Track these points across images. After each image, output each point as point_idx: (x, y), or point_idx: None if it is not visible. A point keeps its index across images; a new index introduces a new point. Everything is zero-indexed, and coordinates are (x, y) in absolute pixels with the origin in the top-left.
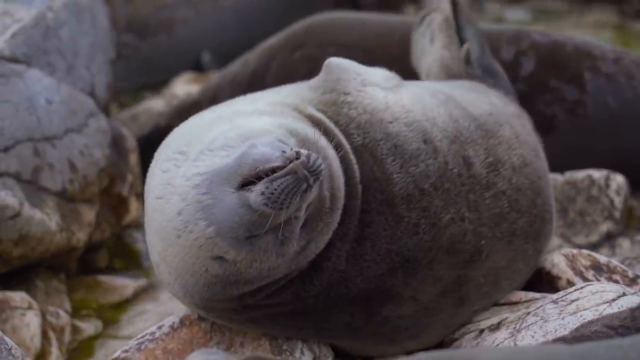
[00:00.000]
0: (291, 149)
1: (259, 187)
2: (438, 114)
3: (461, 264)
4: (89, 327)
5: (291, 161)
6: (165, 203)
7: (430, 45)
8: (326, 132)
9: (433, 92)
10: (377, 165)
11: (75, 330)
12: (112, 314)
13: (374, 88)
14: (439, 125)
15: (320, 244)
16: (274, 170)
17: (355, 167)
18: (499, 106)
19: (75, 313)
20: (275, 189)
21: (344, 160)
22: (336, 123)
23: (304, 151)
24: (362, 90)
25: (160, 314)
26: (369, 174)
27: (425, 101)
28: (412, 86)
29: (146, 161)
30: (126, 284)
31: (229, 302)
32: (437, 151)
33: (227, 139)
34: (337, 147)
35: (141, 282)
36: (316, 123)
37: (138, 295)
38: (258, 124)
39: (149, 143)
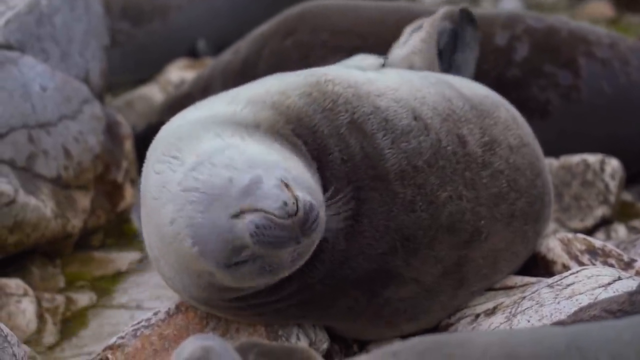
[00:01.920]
0: (293, 203)
1: (253, 217)
2: (428, 94)
3: (461, 245)
4: (83, 298)
5: (290, 216)
6: (161, 207)
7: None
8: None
9: (423, 75)
10: (367, 141)
11: (69, 302)
12: (106, 286)
13: (354, 69)
14: (429, 103)
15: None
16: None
17: (341, 147)
18: (496, 94)
19: (69, 286)
20: (266, 230)
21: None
22: (322, 105)
23: (304, 204)
24: (343, 70)
25: (155, 286)
26: (359, 150)
27: (413, 82)
28: (398, 70)
29: (142, 160)
30: (120, 257)
31: (231, 302)
32: (429, 128)
33: (233, 159)
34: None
35: (135, 255)
36: (295, 119)
37: (132, 268)
38: (258, 150)
39: (144, 141)
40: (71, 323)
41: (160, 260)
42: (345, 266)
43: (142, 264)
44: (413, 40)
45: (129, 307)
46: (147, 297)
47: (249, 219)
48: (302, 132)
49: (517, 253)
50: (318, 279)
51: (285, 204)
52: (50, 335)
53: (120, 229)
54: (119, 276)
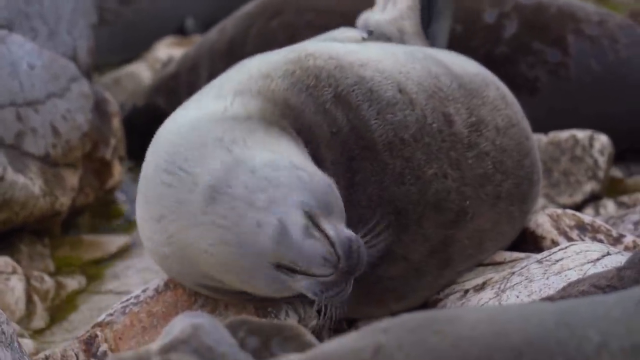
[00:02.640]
0: (331, 253)
1: (306, 283)
2: (412, 69)
3: (448, 224)
4: (73, 282)
5: (335, 266)
6: (183, 227)
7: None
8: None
9: (409, 50)
10: (353, 112)
11: (59, 286)
12: (95, 270)
13: (334, 42)
14: (414, 79)
15: None
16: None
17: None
18: (488, 71)
19: (58, 270)
20: (324, 291)
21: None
22: (306, 83)
23: (342, 246)
24: (323, 44)
25: (144, 269)
26: (347, 122)
27: (397, 56)
28: (381, 44)
29: (129, 142)
30: (109, 241)
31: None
32: (414, 103)
33: (249, 188)
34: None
35: (124, 239)
36: (282, 103)
37: (121, 252)
38: (267, 161)
39: (130, 123)
40: (61, 307)
41: (166, 258)
42: None
43: (131, 248)
44: (399, 5)
45: (119, 292)
46: (137, 281)
47: (305, 285)
48: (289, 114)
49: (503, 233)
50: None
51: (325, 259)
52: (40, 319)
53: (108, 212)
54: (108, 260)
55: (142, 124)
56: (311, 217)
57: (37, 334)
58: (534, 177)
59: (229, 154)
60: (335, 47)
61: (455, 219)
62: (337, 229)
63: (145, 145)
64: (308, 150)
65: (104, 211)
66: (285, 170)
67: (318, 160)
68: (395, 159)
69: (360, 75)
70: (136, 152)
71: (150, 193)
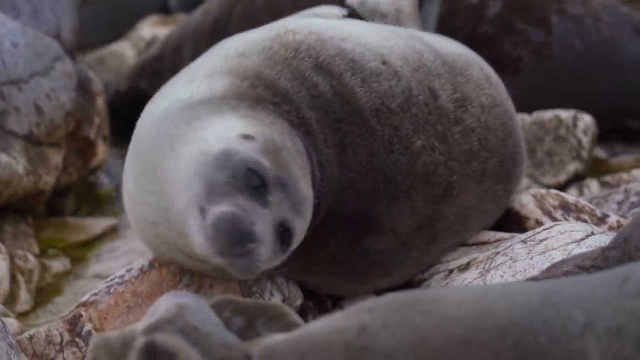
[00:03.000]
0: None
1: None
2: (396, 45)
3: (436, 198)
4: (58, 265)
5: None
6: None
7: None
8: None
9: (392, 29)
10: (336, 80)
11: (43, 268)
12: (80, 253)
13: (316, 19)
14: (398, 53)
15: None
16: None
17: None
18: (472, 53)
19: (43, 253)
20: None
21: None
22: (283, 56)
23: (206, 233)
24: (303, 20)
25: (129, 252)
26: (330, 89)
27: (380, 32)
28: (363, 22)
29: (114, 127)
30: (94, 224)
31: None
32: (399, 76)
33: (173, 184)
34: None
35: (109, 221)
36: (253, 76)
37: (106, 234)
38: (189, 154)
39: (114, 109)
40: (45, 290)
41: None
42: (339, 198)
43: (116, 231)
44: None
45: (104, 276)
46: (122, 264)
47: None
48: (260, 84)
49: (488, 211)
50: (322, 206)
51: (208, 246)
52: (24, 302)
53: (93, 195)
54: (92, 243)
55: (126, 109)
56: (202, 210)
57: (21, 316)
58: (517, 157)
59: (172, 151)
60: (317, 23)
61: (443, 194)
62: (212, 214)
63: (129, 130)
64: (288, 111)
65: (89, 194)
66: (192, 166)
67: (303, 119)
68: (383, 127)
69: (342, 48)
70: (121, 136)
71: (127, 180)
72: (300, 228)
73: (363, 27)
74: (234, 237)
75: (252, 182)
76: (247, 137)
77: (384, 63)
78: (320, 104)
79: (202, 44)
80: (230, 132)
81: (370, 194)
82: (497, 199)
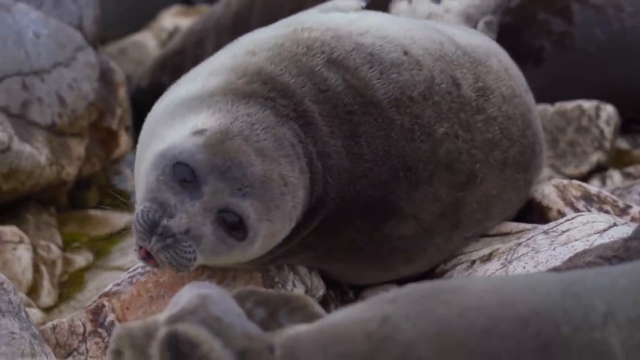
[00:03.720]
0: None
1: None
2: (417, 35)
3: (459, 186)
4: (80, 259)
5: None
6: None
7: None
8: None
9: (411, 20)
10: (350, 74)
11: (66, 262)
12: (103, 246)
13: (333, 13)
14: (419, 42)
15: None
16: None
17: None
18: (492, 43)
19: (66, 246)
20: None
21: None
22: (293, 52)
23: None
24: (322, 15)
25: None
26: (342, 82)
27: (400, 24)
28: (381, 13)
29: (136, 122)
30: (117, 217)
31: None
32: (421, 65)
33: (145, 176)
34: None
35: (132, 215)
36: (252, 73)
37: (129, 229)
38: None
39: (136, 104)
40: (68, 284)
41: None
42: (352, 188)
43: None
44: None
45: (126, 268)
46: None
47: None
48: (257, 79)
49: (509, 201)
50: (330, 196)
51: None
52: (48, 294)
53: (115, 187)
54: (115, 236)
55: (148, 104)
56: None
57: (45, 311)
58: (536, 147)
59: (147, 149)
60: (335, 18)
61: (466, 182)
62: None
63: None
64: (284, 105)
65: (111, 186)
66: (145, 165)
67: (302, 112)
68: (403, 116)
69: (359, 42)
70: (142, 118)
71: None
72: (256, 211)
73: (383, 19)
74: (143, 232)
75: (180, 176)
76: (198, 132)
77: (405, 53)
78: (328, 97)
79: (223, 37)
80: (185, 130)
81: (387, 182)
82: (518, 188)
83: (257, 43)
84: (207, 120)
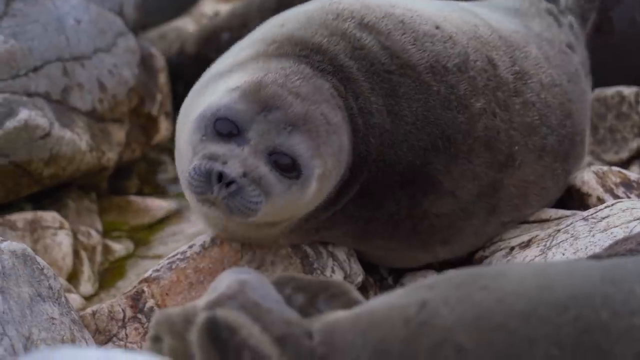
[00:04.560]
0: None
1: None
2: (449, 15)
3: (497, 166)
4: (120, 247)
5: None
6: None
7: None
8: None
9: (443, 2)
10: (383, 36)
11: (106, 250)
12: (143, 235)
13: None
14: (451, 21)
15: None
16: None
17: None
18: (534, 30)
19: (106, 234)
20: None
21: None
22: (321, 18)
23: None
24: None
25: (192, 235)
26: (376, 42)
27: (431, 3)
28: None
29: (174, 87)
30: (157, 206)
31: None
32: (455, 40)
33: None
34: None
35: (172, 204)
36: (282, 39)
37: (169, 217)
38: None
39: (176, 68)
40: (108, 273)
41: None
42: (393, 151)
43: (179, 213)
44: None
45: (166, 256)
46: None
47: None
48: (289, 43)
49: (547, 189)
50: (372, 156)
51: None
52: (87, 280)
53: (155, 175)
54: (155, 225)
55: (190, 71)
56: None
57: (85, 299)
58: (575, 138)
59: (186, 119)
60: None
61: (505, 162)
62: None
63: (187, 92)
64: (320, 60)
65: (151, 174)
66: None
67: (339, 67)
68: (439, 83)
69: (390, 12)
70: (181, 97)
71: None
72: (306, 147)
73: (411, 3)
74: (202, 186)
75: (223, 131)
76: (232, 90)
77: (437, 27)
78: (364, 55)
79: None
80: (219, 92)
81: (427, 149)
82: (556, 177)
83: (285, 17)
84: (239, 79)
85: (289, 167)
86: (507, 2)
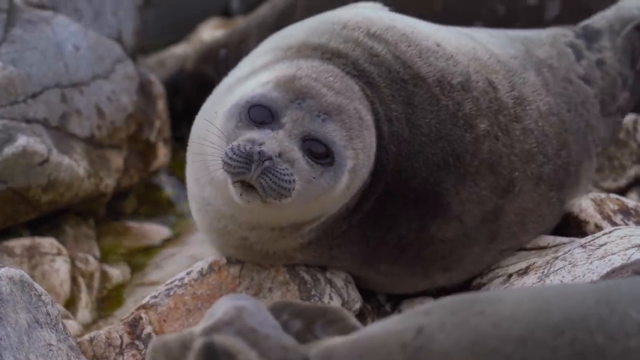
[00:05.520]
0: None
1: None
2: (448, 36)
3: (499, 191)
4: (117, 273)
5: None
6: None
7: None
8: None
9: (437, 25)
10: (392, 47)
11: (104, 277)
12: (140, 259)
13: (364, 7)
14: (450, 41)
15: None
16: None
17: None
18: (537, 56)
19: (103, 258)
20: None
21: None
22: (330, 29)
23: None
24: (353, 7)
25: (189, 258)
26: (387, 52)
27: (428, 25)
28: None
29: (172, 106)
30: (154, 230)
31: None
32: (456, 60)
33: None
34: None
35: (169, 226)
36: (297, 48)
37: (166, 241)
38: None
39: (175, 87)
40: (106, 300)
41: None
42: (409, 163)
43: (176, 237)
44: None
45: (162, 282)
46: (181, 270)
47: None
48: (307, 48)
49: (543, 217)
50: (390, 166)
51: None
52: (85, 308)
53: (152, 197)
54: (152, 249)
55: (188, 88)
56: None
57: (83, 327)
58: (570, 168)
59: (208, 116)
60: (366, 11)
61: (506, 188)
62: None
63: (188, 110)
64: (344, 63)
65: (149, 196)
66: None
67: (362, 72)
68: (447, 99)
69: (391, 25)
70: (179, 116)
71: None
72: (339, 136)
73: (411, 19)
74: (241, 165)
75: (257, 116)
76: (265, 83)
77: (438, 45)
78: (380, 61)
79: (266, 35)
80: (250, 86)
81: (439, 166)
82: (551, 205)
83: (290, 31)
84: (270, 75)
85: (322, 155)
86: (519, 32)
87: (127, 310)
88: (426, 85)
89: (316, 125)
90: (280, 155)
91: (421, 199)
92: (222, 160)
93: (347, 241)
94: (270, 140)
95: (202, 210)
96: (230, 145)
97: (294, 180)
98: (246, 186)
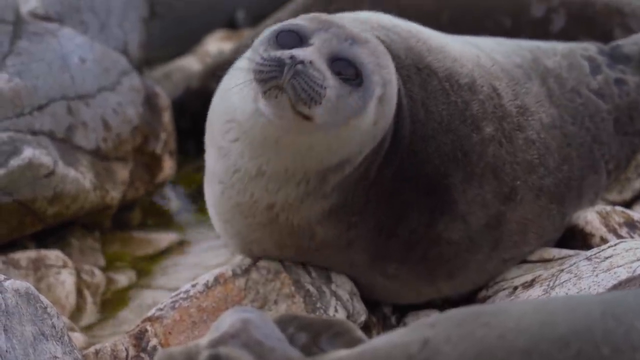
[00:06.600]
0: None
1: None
2: (452, 42)
3: (502, 197)
4: (123, 278)
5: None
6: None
7: None
8: None
9: (440, 33)
10: (402, 39)
11: (109, 281)
12: (145, 266)
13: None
14: (455, 47)
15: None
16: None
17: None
18: (545, 65)
19: (109, 266)
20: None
21: None
22: (353, 23)
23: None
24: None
25: (194, 266)
26: (400, 42)
27: (433, 31)
28: None
29: (179, 123)
30: (159, 238)
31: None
32: (462, 63)
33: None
34: None
35: (174, 236)
36: None
37: (171, 248)
38: None
39: (182, 105)
40: (111, 302)
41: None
42: (423, 146)
43: (181, 245)
44: None
45: (169, 288)
46: (187, 277)
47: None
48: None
49: (544, 228)
50: (404, 143)
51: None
52: (90, 315)
53: (158, 209)
54: (158, 256)
55: (195, 106)
56: None
57: (86, 329)
58: (571, 182)
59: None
60: (370, 13)
61: (509, 195)
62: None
63: (196, 127)
64: None
65: (155, 208)
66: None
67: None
68: (456, 96)
69: (396, 23)
70: (185, 133)
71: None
72: (368, 58)
73: (413, 23)
74: (273, 70)
75: (286, 42)
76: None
77: (443, 47)
78: (395, 49)
79: None
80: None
81: (449, 157)
82: (552, 218)
83: None
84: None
85: (351, 76)
86: (532, 42)
87: (131, 311)
88: (437, 78)
89: (345, 47)
90: (311, 62)
91: (431, 190)
92: (253, 70)
93: (363, 221)
94: (300, 51)
95: (228, 185)
96: (260, 55)
97: (325, 87)
98: (275, 96)
